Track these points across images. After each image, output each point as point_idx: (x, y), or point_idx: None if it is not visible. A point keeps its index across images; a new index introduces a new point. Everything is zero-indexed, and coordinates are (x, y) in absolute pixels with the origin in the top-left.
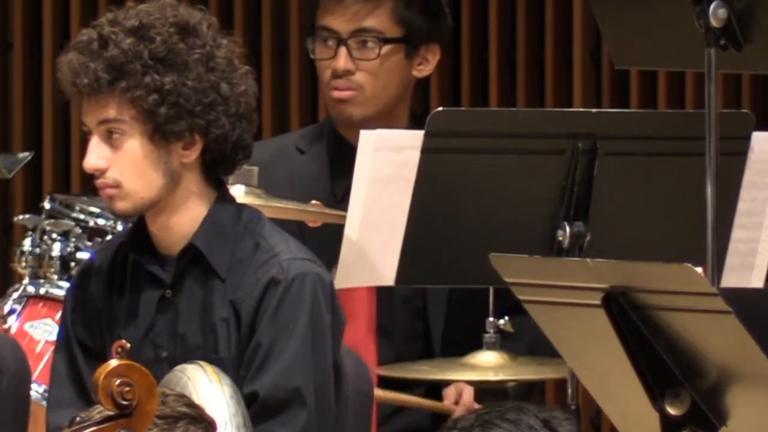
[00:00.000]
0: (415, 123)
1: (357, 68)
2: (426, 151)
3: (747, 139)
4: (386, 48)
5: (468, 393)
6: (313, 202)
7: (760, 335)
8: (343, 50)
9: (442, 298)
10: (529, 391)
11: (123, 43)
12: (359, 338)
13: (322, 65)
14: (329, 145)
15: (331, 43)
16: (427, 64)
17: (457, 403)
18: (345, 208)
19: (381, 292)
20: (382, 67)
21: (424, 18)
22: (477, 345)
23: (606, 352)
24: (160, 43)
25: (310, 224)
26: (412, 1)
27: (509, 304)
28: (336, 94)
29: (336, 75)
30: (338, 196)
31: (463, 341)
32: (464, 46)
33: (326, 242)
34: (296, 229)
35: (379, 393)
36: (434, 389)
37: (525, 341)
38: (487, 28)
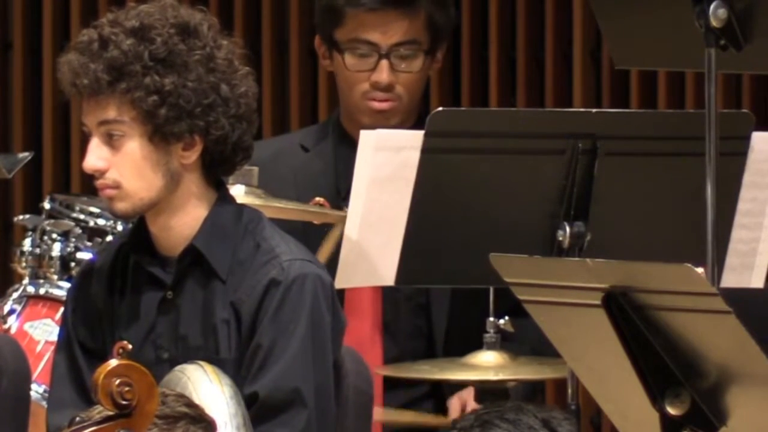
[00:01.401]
0: (421, 122)
1: (397, 80)
2: (426, 151)
3: (747, 139)
4: (426, 58)
5: (472, 403)
6: (317, 199)
7: (760, 335)
8: (384, 63)
9: (445, 295)
10: (532, 392)
11: (123, 44)
12: (365, 336)
13: (357, 77)
14: (334, 142)
15: (370, 56)
16: (437, 63)
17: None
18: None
19: (385, 289)
20: (419, 75)
21: (446, 21)
22: (480, 342)
23: (606, 352)
24: (161, 44)
25: (312, 220)
26: (437, 7)
27: (510, 305)
28: (376, 105)
29: (378, 88)
30: (342, 193)
31: (466, 339)
32: (464, 46)
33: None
34: (300, 225)
35: (384, 416)
36: (437, 388)
37: (527, 343)
38: (487, 28)
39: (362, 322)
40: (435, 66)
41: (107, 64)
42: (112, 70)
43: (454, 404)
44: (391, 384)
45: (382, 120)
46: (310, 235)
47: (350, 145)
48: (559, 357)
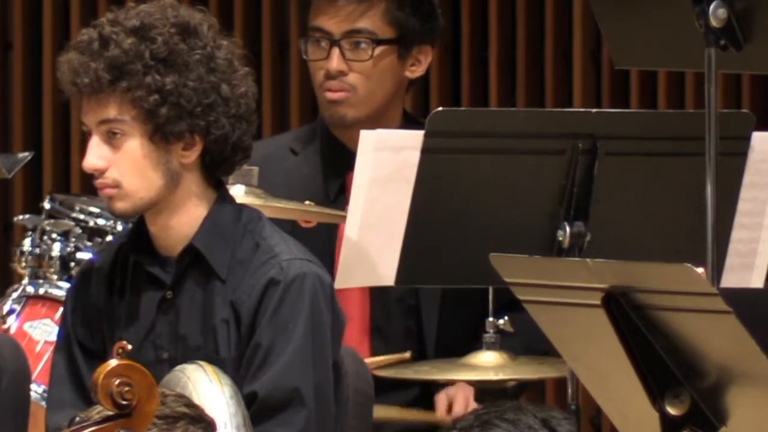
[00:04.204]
0: (407, 123)
1: (350, 69)
2: (426, 151)
3: (747, 139)
4: (379, 49)
5: (460, 400)
6: (307, 202)
7: (760, 335)
8: (336, 51)
9: (435, 297)
10: (523, 386)
11: (124, 43)
12: (353, 337)
13: (315, 66)
14: (322, 145)
15: (323, 44)
16: (419, 65)
17: (449, 411)
18: (338, 209)
19: (374, 291)
20: (375, 68)
21: (417, 19)
22: (470, 343)
23: (606, 352)
24: (162, 44)
25: (303, 224)
26: (404, 2)
27: (504, 301)
28: (329, 95)
29: (329, 76)
30: (331, 196)
31: (456, 339)
32: (464, 46)
33: (318, 242)
34: (289, 229)
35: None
36: (427, 391)
37: (522, 338)
38: (487, 28)
39: (350, 324)
40: (415, 70)
41: (108, 63)
42: (113, 69)
43: (441, 399)
44: (380, 386)
45: (337, 111)
46: (297, 237)
47: (337, 147)
48: (555, 353)
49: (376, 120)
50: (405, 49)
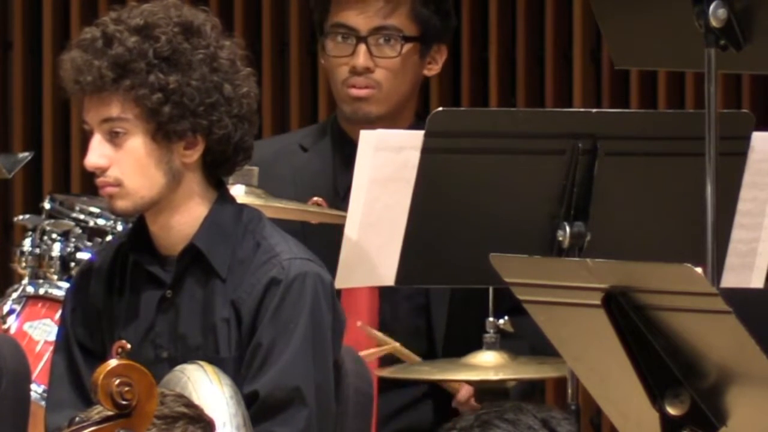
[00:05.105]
0: (419, 122)
1: (376, 66)
2: (426, 151)
3: (747, 139)
4: (407, 46)
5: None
6: (315, 198)
7: (760, 335)
8: (362, 48)
9: (444, 295)
10: (531, 391)
11: (128, 42)
12: (362, 336)
13: (337, 62)
14: (333, 142)
15: (349, 40)
16: (435, 65)
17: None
18: (348, 206)
19: (383, 289)
20: (402, 65)
21: (438, 17)
22: (479, 342)
23: (606, 352)
24: (165, 43)
25: (312, 219)
26: (425, 1)
27: (510, 306)
28: (354, 92)
29: (355, 72)
30: (341, 193)
31: (465, 338)
32: (464, 46)
33: (328, 240)
34: (299, 225)
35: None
36: (435, 389)
37: (527, 341)
38: (487, 28)
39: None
40: (432, 69)
41: (111, 61)
42: (117, 67)
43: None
44: (388, 385)
45: (362, 107)
46: (308, 235)
47: (348, 144)
48: (559, 355)
49: (394, 117)
50: (426, 47)
